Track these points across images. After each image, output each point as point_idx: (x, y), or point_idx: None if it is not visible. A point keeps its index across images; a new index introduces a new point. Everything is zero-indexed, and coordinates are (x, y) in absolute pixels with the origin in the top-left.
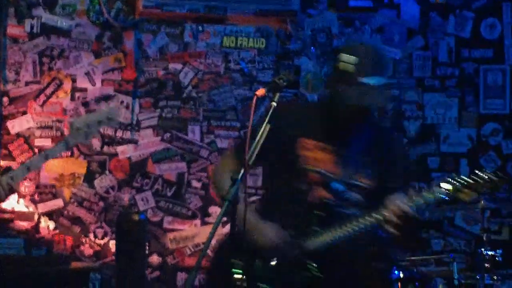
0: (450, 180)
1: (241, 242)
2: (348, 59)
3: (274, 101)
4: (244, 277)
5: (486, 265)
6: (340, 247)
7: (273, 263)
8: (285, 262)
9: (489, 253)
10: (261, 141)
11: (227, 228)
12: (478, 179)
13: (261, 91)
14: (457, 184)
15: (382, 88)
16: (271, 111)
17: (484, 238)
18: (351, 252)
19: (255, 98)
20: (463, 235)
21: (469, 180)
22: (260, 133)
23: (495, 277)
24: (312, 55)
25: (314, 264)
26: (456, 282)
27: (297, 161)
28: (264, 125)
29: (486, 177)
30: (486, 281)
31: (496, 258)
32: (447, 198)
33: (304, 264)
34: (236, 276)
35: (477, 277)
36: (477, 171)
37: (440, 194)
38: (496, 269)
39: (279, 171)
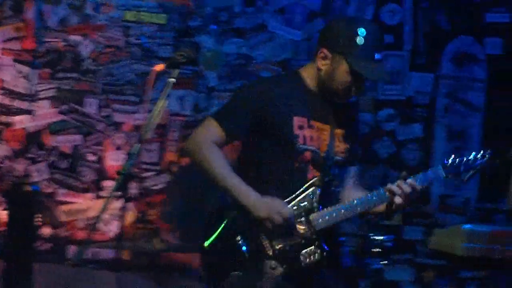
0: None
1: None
2: (364, 33)
3: (172, 78)
4: (250, 255)
5: (376, 250)
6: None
7: (288, 240)
8: (298, 239)
9: (379, 238)
10: (158, 117)
11: (120, 202)
12: None
13: (159, 67)
14: None
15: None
16: (168, 87)
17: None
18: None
19: (153, 73)
20: (355, 218)
21: None
22: (156, 109)
23: (384, 262)
24: (213, 32)
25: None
26: (345, 265)
27: (294, 140)
28: (160, 101)
29: None
30: (375, 265)
31: (386, 243)
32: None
33: (314, 241)
34: (244, 255)
35: (367, 261)
36: None
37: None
38: (386, 254)
39: (273, 148)
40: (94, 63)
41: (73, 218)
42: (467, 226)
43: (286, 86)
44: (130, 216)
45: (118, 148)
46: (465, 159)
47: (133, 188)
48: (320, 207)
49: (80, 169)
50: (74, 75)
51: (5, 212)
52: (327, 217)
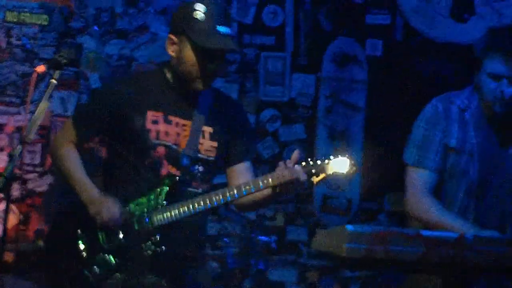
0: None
1: (83, 213)
2: (203, 8)
3: (54, 79)
4: (86, 247)
5: (260, 250)
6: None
7: (120, 235)
8: (132, 235)
9: (262, 238)
10: (40, 118)
11: (3, 204)
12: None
13: (41, 68)
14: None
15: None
16: (50, 89)
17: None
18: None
19: (34, 74)
20: (238, 219)
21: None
22: (38, 110)
23: (267, 263)
24: (95, 33)
25: (157, 237)
26: (229, 266)
27: (146, 135)
28: (42, 102)
29: None
30: (259, 266)
31: (270, 244)
32: None
33: (149, 237)
34: (80, 246)
35: (250, 262)
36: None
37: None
38: (270, 255)
39: (124, 145)
40: None
41: None
42: (350, 226)
43: (145, 82)
44: (12, 218)
45: (0, 150)
46: (313, 162)
47: (16, 190)
48: (166, 203)
49: None
50: None
51: None
52: (167, 214)
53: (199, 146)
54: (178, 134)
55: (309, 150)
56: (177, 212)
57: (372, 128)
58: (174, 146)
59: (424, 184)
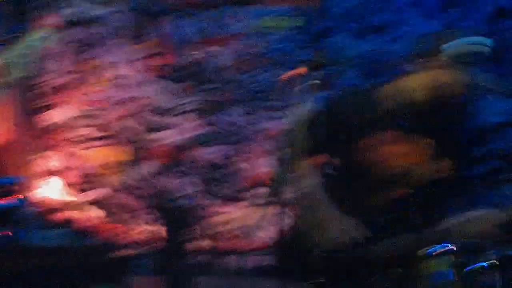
0: None
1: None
2: None
3: (315, 79)
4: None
5: None
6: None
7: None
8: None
9: None
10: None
11: (276, 207)
12: None
13: (301, 70)
14: None
15: None
16: (312, 89)
17: None
18: None
19: (295, 76)
20: None
21: None
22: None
23: None
24: (348, 31)
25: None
26: None
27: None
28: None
29: None
30: None
31: None
32: None
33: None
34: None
35: None
36: None
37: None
38: None
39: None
40: (235, 72)
41: (228, 227)
42: None
43: None
44: (287, 221)
45: (267, 155)
46: None
47: (288, 193)
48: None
49: (230, 178)
50: (217, 85)
51: (161, 227)
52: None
53: None
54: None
55: None
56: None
57: None
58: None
59: None
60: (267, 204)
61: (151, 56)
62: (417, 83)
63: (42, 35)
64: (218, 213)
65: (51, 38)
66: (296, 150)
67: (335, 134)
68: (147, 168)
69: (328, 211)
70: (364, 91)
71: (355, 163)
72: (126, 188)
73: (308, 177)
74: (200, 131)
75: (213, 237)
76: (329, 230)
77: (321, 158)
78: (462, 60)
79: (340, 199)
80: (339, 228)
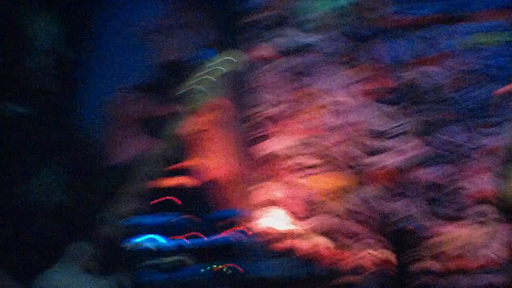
0: None
1: None
2: None
3: None
4: None
5: None
6: None
7: None
8: None
9: None
10: None
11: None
12: None
13: None
14: None
15: None
16: None
17: None
18: None
19: (508, 91)
20: None
21: None
22: None
23: None
24: None
25: None
26: None
27: None
28: None
29: None
30: None
31: None
32: None
33: None
34: None
35: None
36: None
37: None
38: None
39: None
40: (450, 90)
41: (453, 247)
42: None
43: None
44: None
45: (487, 171)
46: None
47: None
48: None
49: (452, 197)
50: (432, 104)
51: (387, 251)
52: None
53: None
54: None
55: None
56: None
57: None
58: None
59: None
60: (493, 221)
61: (364, 80)
62: None
63: (229, 60)
64: (441, 233)
65: (241, 64)
66: None
67: None
68: (367, 192)
69: None
70: None
71: None
72: (348, 214)
73: None
74: (419, 151)
75: (438, 257)
76: None
77: None
78: None
79: None
80: None
